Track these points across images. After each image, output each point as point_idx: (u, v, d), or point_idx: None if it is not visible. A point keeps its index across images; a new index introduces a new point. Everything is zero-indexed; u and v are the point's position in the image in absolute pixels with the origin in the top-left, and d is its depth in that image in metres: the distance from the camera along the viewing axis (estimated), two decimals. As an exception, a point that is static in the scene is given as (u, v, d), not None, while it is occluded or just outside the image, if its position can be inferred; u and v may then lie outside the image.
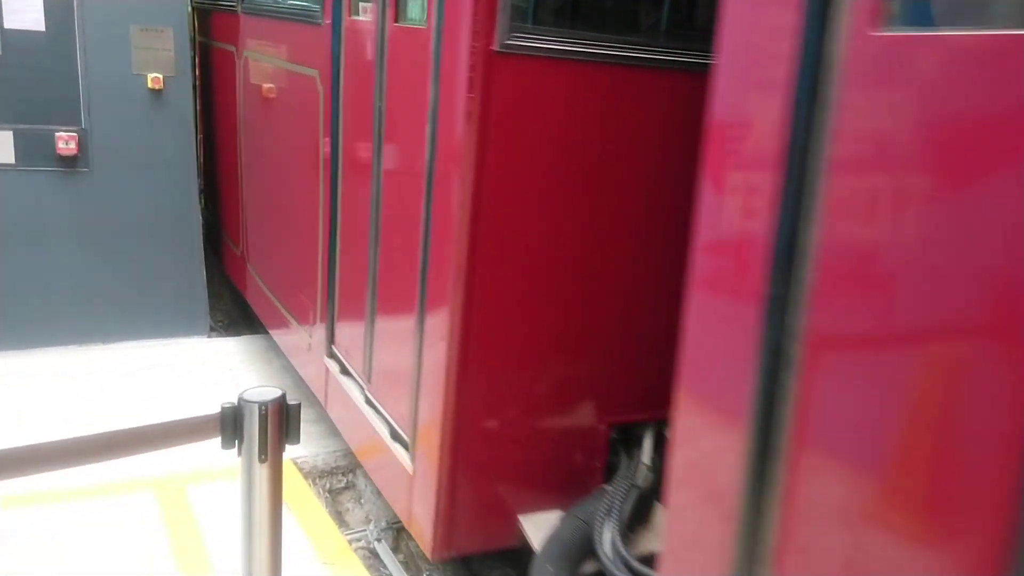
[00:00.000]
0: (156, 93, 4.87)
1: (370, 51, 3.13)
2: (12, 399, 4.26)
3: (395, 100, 2.97)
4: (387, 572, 3.47)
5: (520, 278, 2.57)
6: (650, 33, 2.96)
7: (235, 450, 1.77)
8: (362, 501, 4.00)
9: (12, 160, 4.63)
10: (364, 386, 3.39)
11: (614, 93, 2.50)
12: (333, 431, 4.09)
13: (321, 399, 3.93)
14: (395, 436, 3.08)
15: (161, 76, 4.86)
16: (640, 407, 2.80)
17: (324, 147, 3.57)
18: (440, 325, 2.59)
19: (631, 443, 2.85)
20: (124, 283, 4.99)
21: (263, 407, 1.72)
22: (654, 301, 2.70)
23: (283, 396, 1.76)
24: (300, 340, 4.18)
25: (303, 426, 4.41)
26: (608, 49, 2.46)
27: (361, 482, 4.04)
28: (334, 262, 3.59)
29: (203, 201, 5.62)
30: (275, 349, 4.96)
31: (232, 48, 4.90)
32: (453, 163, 2.45)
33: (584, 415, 2.80)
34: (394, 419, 3.11)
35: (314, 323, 3.88)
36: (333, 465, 4.04)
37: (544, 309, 2.62)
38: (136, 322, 5.03)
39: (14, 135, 4.60)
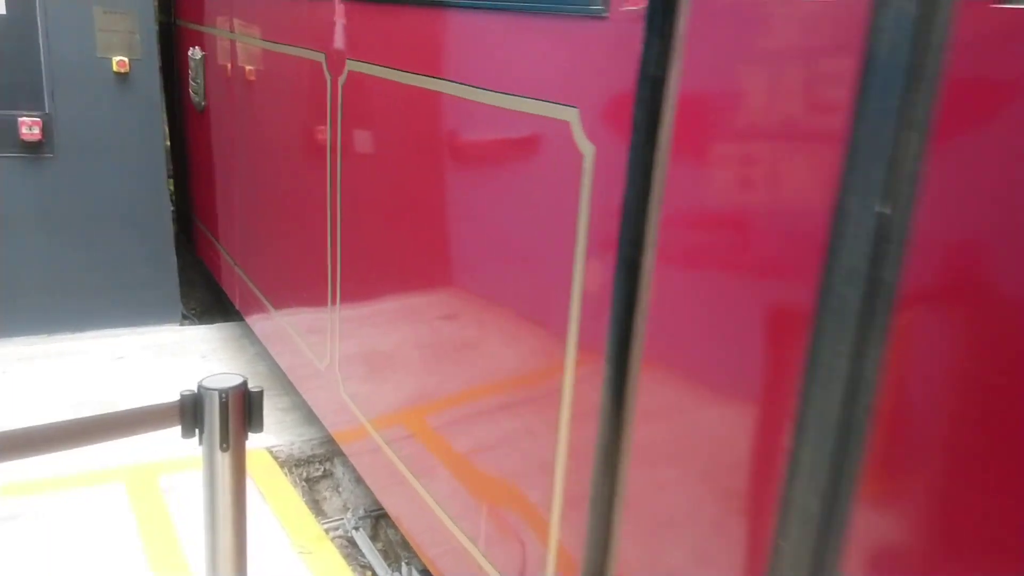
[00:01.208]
0: (122, 76, 4.75)
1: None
2: (-22, 391, 4.16)
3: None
4: (365, 561, 3.43)
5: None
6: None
7: (196, 439, 1.72)
8: (340, 489, 3.95)
9: (-26, 146, 4.51)
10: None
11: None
12: (309, 419, 4.03)
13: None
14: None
15: (127, 59, 4.74)
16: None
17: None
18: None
19: None
20: (93, 271, 4.88)
21: (224, 394, 1.66)
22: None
23: (245, 383, 1.70)
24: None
25: (278, 415, 4.37)
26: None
27: (339, 470, 3.99)
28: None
29: (173, 187, 5.50)
30: (249, 336, 4.88)
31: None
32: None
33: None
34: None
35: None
36: (310, 453, 3.99)
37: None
38: (106, 311, 4.93)
39: (-25, 121, 4.48)
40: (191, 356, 4.78)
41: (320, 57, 2.99)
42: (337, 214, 3.16)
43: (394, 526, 3.59)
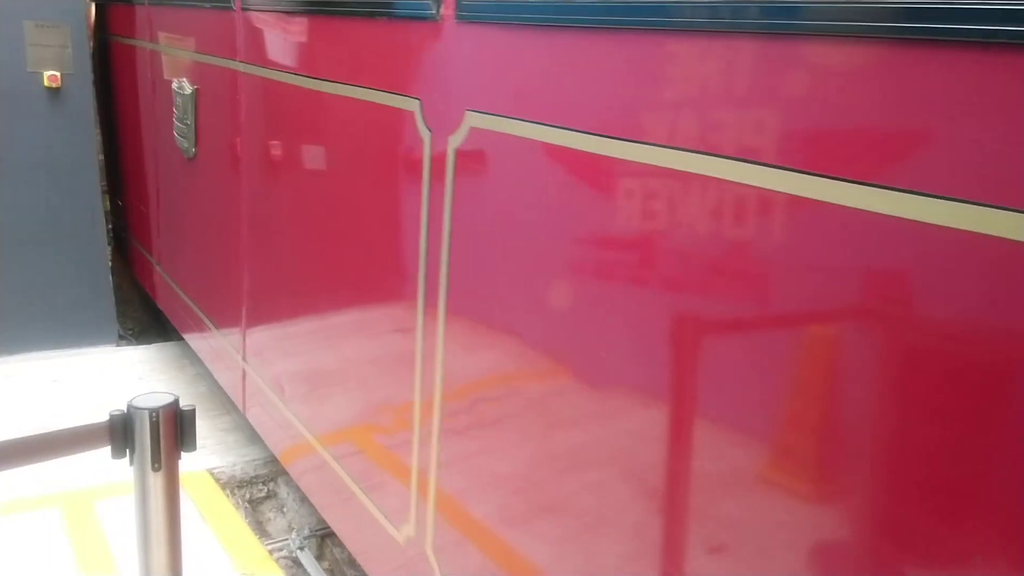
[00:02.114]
0: (54, 91, 4.63)
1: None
2: (-99, 419, 3.99)
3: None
4: (310, 580, 3.38)
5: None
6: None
7: (127, 460, 1.68)
8: (284, 510, 3.89)
9: None
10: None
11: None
12: (252, 439, 3.96)
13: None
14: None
15: (59, 74, 4.63)
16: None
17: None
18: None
19: None
20: (24, 292, 4.72)
21: (154, 413, 1.63)
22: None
23: (176, 401, 1.67)
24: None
25: (220, 435, 4.29)
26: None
27: (283, 490, 3.93)
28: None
29: (108, 204, 5.36)
30: (188, 356, 4.78)
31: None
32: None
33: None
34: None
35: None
36: (253, 474, 3.91)
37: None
38: (39, 333, 4.77)
39: None
40: (128, 378, 4.66)
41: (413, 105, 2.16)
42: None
43: (340, 545, 3.54)
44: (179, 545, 1.74)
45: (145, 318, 5.81)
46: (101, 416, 4.35)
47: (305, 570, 3.43)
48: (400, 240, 2.29)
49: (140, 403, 1.64)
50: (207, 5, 3.58)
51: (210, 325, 4.10)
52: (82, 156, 4.79)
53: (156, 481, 1.66)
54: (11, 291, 4.70)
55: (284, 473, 3.85)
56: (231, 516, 3.48)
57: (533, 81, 1.73)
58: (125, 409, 1.65)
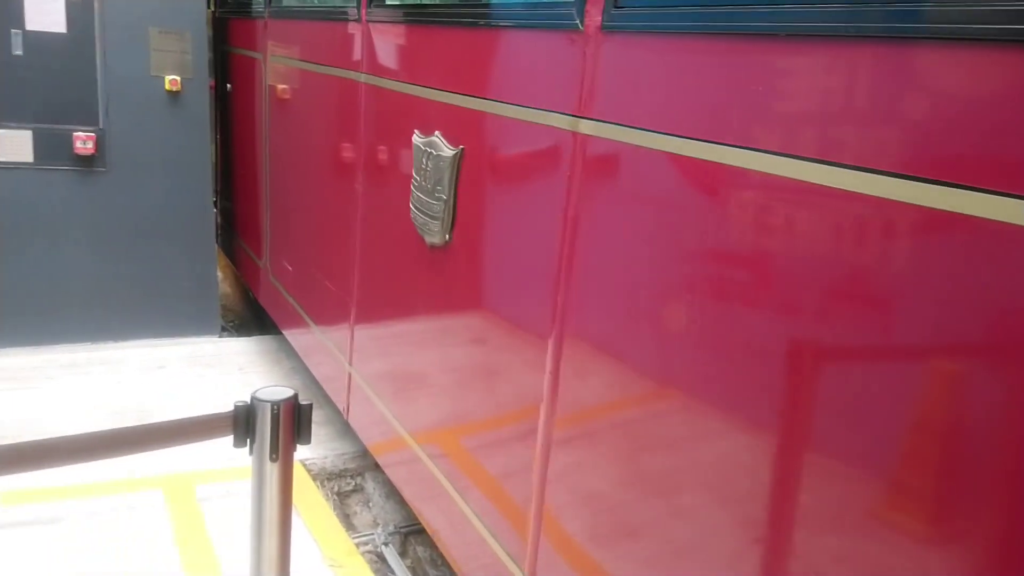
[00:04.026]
0: (173, 95, 4.91)
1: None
2: (25, 395, 4.29)
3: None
4: (394, 576, 3.48)
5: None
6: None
7: (247, 449, 1.79)
8: (370, 504, 4.01)
9: (31, 159, 4.67)
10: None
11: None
12: (343, 433, 4.11)
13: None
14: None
15: (179, 78, 4.90)
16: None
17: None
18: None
19: None
20: (138, 283, 5.02)
21: (275, 406, 1.73)
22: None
23: (295, 396, 1.77)
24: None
25: (311, 428, 4.44)
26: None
27: (370, 485, 4.05)
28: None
29: (216, 203, 5.64)
30: (285, 350, 4.98)
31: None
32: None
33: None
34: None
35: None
36: (342, 468, 4.05)
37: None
38: (149, 322, 5.06)
39: (33, 134, 4.65)
40: (229, 367, 4.89)
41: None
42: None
43: (424, 543, 3.64)
44: (289, 532, 1.85)
45: (245, 312, 6.08)
46: (204, 402, 4.59)
47: (389, 566, 3.53)
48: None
49: (263, 395, 1.74)
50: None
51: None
52: (197, 157, 5.05)
53: (273, 471, 1.76)
54: (124, 281, 4.99)
55: (372, 468, 3.98)
56: (321, 507, 3.61)
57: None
58: (249, 401, 1.75)
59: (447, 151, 2.55)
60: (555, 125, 2.00)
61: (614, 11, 1.74)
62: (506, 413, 2.39)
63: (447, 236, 2.60)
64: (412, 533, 3.69)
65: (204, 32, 5.09)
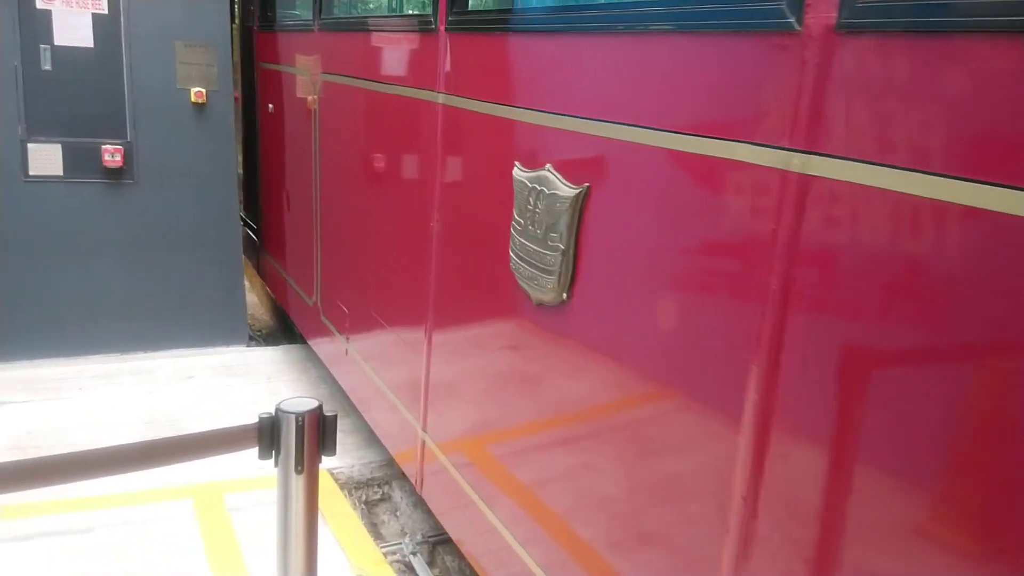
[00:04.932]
0: (199, 107, 4.96)
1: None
2: (59, 405, 4.34)
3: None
4: (422, 586, 3.46)
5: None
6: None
7: (272, 461, 1.78)
8: (398, 514, 4.00)
9: (60, 172, 4.74)
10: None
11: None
12: (369, 442, 4.10)
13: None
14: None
15: (204, 90, 4.95)
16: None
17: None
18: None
19: None
20: (167, 293, 5.07)
21: (300, 418, 1.72)
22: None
23: (320, 407, 1.76)
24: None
25: (338, 436, 4.45)
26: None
27: (397, 494, 4.04)
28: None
29: (242, 213, 5.68)
30: (312, 359, 5.00)
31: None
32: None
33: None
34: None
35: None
36: (369, 476, 4.05)
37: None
38: (178, 332, 5.11)
39: (62, 148, 4.72)
40: (256, 377, 4.92)
41: None
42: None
43: (452, 553, 3.62)
44: (316, 544, 1.84)
45: (272, 322, 6.12)
46: (232, 411, 4.58)
47: (417, 575, 3.51)
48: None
49: (288, 407, 1.74)
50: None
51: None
52: (223, 168, 5.10)
53: (298, 482, 1.75)
54: (153, 292, 5.04)
55: (399, 477, 3.97)
56: (349, 516, 3.60)
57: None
58: (273, 413, 1.75)
59: (566, 189, 2.02)
60: (750, 161, 1.48)
61: (856, 4, 1.25)
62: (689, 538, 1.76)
63: (564, 295, 2.06)
64: (440, 543, 3.67)
65: (229, 45, 5.13)
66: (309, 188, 4.49)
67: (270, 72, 5.23)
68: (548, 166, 2.10)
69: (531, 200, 2.15)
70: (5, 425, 4.10)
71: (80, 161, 4.77)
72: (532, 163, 2.19)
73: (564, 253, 2.03)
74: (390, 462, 3.89)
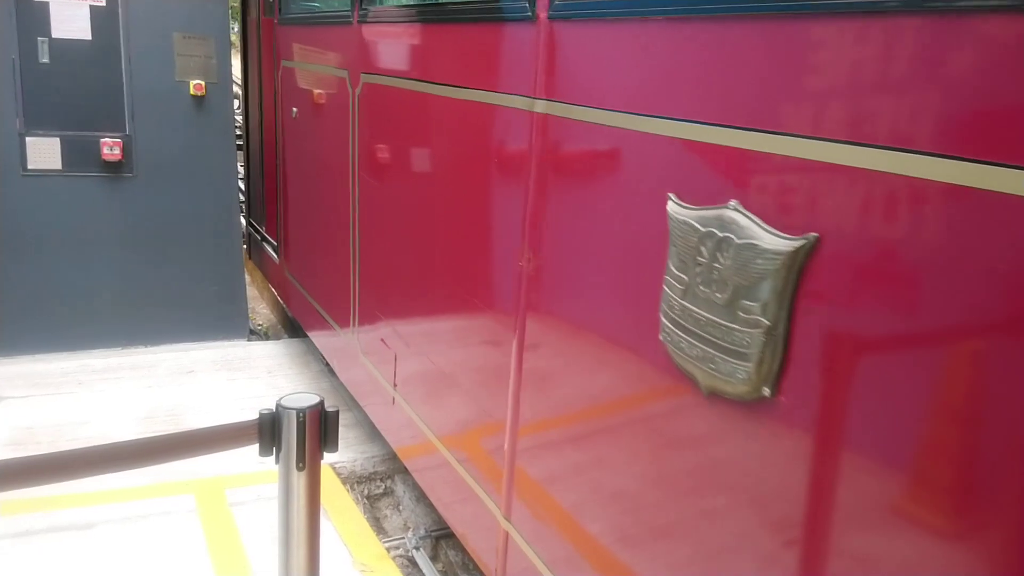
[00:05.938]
0: (198, 99, 4.92)
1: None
2: (60, 400, 4.32)
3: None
4: (425, 580, 3.44)
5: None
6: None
7: (273, 457, 1.75)
8: (400, 508, 3.99)
9: (59, 166, 4.72)
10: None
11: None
12: (371, 436, 4.08)
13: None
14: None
15: (203, 83, 4.91)
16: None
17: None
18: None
19: None
20: (167, 287, 5.05)
21: (301, 414, 1.70)
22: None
23: (321, 403, 1.74)
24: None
25: (340, 431, 4.44)
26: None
27: (400, 488, 4.03)
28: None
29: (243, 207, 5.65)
30: (313, 353, 4.98)
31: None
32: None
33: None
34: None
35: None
36: (371, 471, 4.03)
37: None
38: (179, 326, 5.09)
39: (61, 141, 4.69)
40: (257, 371, 4.89)
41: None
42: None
43: (455, 547, 3.60)
44: (318, 540, 1.81)
45: (273, 315, 6.09)
46: (232, 406, 4.56)
47: (420, 570, 3.50)
48: None
49: (288, 403, 1.71)
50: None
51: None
52: (223, 161, 5.07)
53: (300, 479, 1.73)
54: (154, 286, 5.02)
55: (401, 471, 3.95)
56: (351, 511, 3.58)
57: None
58: (274, 408, 1.72)
59: (775, 241, 1.41)
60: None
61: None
62: None
63: (767, 389, 1.44)
64: (443, 537, 3.66)
65: (228, 37, 5.09)
66: (344, 207, 3.78)
67: (294, 71, 4.56)
68: (734, 203, 1.50)
69: (705, 250, 1.55)
70: (5, 420, 4.09)
71: (79, 154, 4.73)
72: (702, 197, 1.58)
73: (769, 332, 1.42)
74: (392, 456, 3.87)
